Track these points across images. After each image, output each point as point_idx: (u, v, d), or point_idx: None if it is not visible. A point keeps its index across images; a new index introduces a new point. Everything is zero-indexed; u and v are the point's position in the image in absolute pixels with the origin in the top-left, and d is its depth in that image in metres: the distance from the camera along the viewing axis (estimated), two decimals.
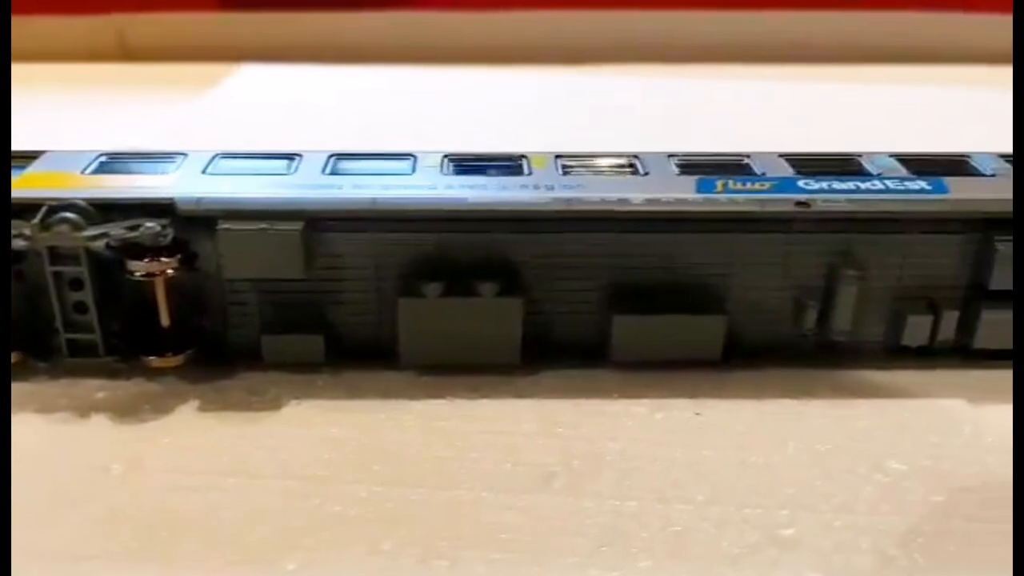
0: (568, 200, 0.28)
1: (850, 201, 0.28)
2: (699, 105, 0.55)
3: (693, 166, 0.30)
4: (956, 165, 0.31)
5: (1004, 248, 0.28)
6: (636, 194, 0.28)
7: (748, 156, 0.31)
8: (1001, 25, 0.68)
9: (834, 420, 0.28)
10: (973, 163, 0.31)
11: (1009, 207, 0.28)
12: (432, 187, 0.29)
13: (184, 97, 0.56)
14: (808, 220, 0.28)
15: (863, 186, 0.29)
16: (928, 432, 0.27)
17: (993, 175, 0.30)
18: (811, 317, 0.29)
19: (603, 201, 0.28)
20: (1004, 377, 0.29)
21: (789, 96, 0.57)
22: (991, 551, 0.23)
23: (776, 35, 0.66)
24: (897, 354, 0.30)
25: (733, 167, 0.30)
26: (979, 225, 0.28)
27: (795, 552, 0.23)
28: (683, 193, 0.28)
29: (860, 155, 0.31)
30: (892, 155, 0.31)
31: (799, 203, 0.28)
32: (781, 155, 0.31)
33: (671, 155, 0.31)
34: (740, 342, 0.30)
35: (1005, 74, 0.66)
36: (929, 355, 0.30)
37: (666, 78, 0.61)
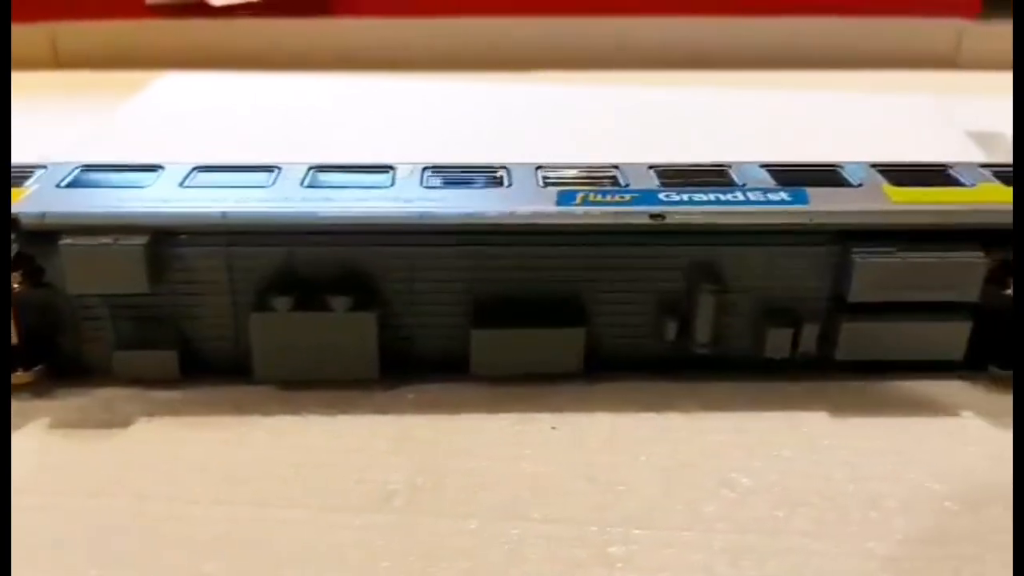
0: (421, 214, 0.28)
1: (706, 213, 0.28)
2: (608, 113, 0.54)
3: (558, 178, 0.30)
4: (826, 175, 0.31)
5: (861, 260, 0.28)
6: (494, 207, 0.28)
7: (617, 168, 0.31)
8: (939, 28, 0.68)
9: (692, 434, 0.28)
10: (843, 173, 0.31)
11: (865, 219, 0.28)
12: (287, 199, 0.28)
13: (103, 105, 0.55)
14: (665, 233, 0.28)
15: (724, 198, 0.29)
16: (783, 446, 0.27)
17: (860, 185, 0.30)
18: (672, 330, 0.29)
19: (456, 215, 0.28)
20: (865, 389, 0.29)
21: (705, 103, 0.56)
22: (823, 567, 0.23)
23: (706, 41, 0.66)
24: (760, 367, 0.29)
25: (599, 179, 0.30)
26: (837, 237, 0.28)
27: (619, 571, 0.23)
28: (542, 206, 0.28)
29: (730, 165, 0.31)
30: (763, 165, 0.31)
31: (653, 216, 0.28)
32: (651, 167, 0.31)
33: (539, 167, 0.31)
34: (603, 355, 0.29)
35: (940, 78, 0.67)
36: (791, 368, 0.29)
37: (578, 85, 0.61)
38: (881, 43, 0.68)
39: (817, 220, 0.28)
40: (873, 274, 0.28)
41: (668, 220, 0.28)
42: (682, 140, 0.47)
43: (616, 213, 0.28)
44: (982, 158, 0.49)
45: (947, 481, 0.26)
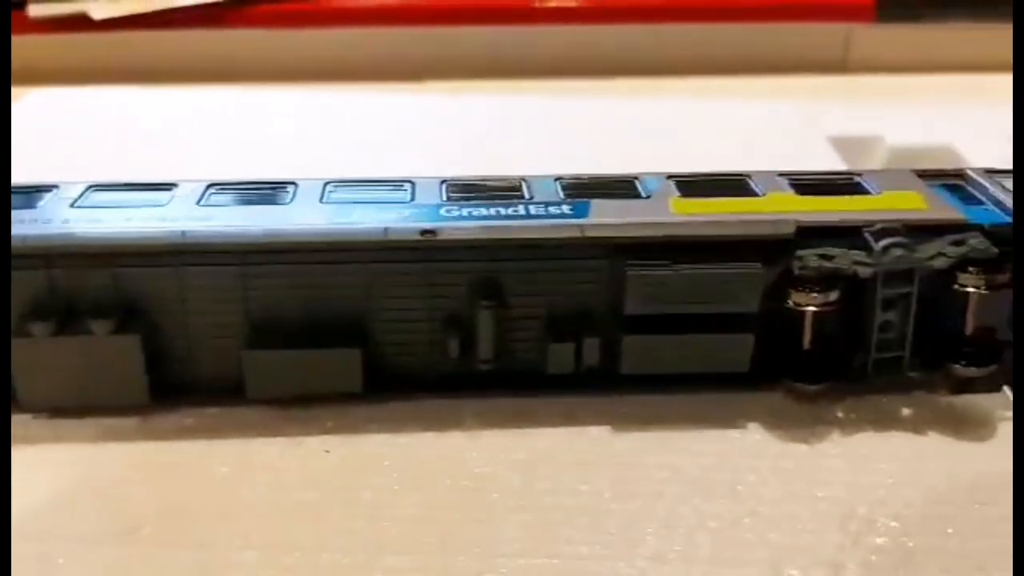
0: (183, 233, 0.27)
1: (479, 229, 0.27)
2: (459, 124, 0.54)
3: (346, 193, 0.29)
4: (620, 187, 0.30)
5: (634, 273, 0.27)
6: (260, 225, 0.27)
7: (411, 181, 0.30)
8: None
9: (470, 452, 0.27)
10: (637, 185, 0.30)
11: (640, 231, 0.27)
12: (49, 221, 0.27)
13: None
14: (439, 249, 0.28)
15: (504, 212, 0.28)
16: (564, 462, 0.27)
17: (648, 197, 0.30)
18: (454, 347, 0.28)
19: (215, 234, 0.27)
20: (651, 402, 0.29)
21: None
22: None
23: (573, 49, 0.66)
24: (546, 382, 0.29)
25: (387, 193, 0.30)
26: (614, 250, 0.28)
27: None
28: (310, 223, 0.28)
29: (524, 179, 0.31)
30: (557, 178, 0.31)
31: (424, 232, 0.27)
32: (443, 181, 0.30)
33: (328, 182, 0.30)
34: (386, 374, 0.29)
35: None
36: (577, 382, 0.29)
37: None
38: (772, 48, 0.68)
39: (590, 234, 0.27)
40: (647, 287, 0.27)
41: (440, 236, 0.27)
42: (530, 150, 0.47)
43: (386, 229, 0.27)
44: (842, 165, 0.49)
45: (722, 497, 0.25)
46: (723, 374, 0.29)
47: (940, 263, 0.27)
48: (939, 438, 0.28)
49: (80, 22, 0.67)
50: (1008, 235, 0.28)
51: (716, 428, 0.28)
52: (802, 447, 0.27)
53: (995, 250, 0.27)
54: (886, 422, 0.28)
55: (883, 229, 0.28)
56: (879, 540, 0.24)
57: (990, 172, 0.32)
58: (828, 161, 0.49)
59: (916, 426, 0.28)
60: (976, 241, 0.28)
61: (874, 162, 0.58)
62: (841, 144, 0.56)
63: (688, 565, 0.23)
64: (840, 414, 0.29)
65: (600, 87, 0.61)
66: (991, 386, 0.30)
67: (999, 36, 0.68)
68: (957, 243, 0.28)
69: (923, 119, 0.60)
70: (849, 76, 0.67)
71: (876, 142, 0.59)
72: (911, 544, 0.24)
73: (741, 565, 0.23)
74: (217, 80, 0.63)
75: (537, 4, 0.68)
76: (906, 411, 0.29)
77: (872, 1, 0.73)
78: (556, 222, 0.28)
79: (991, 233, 0.28)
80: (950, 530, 0.24)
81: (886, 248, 0.27)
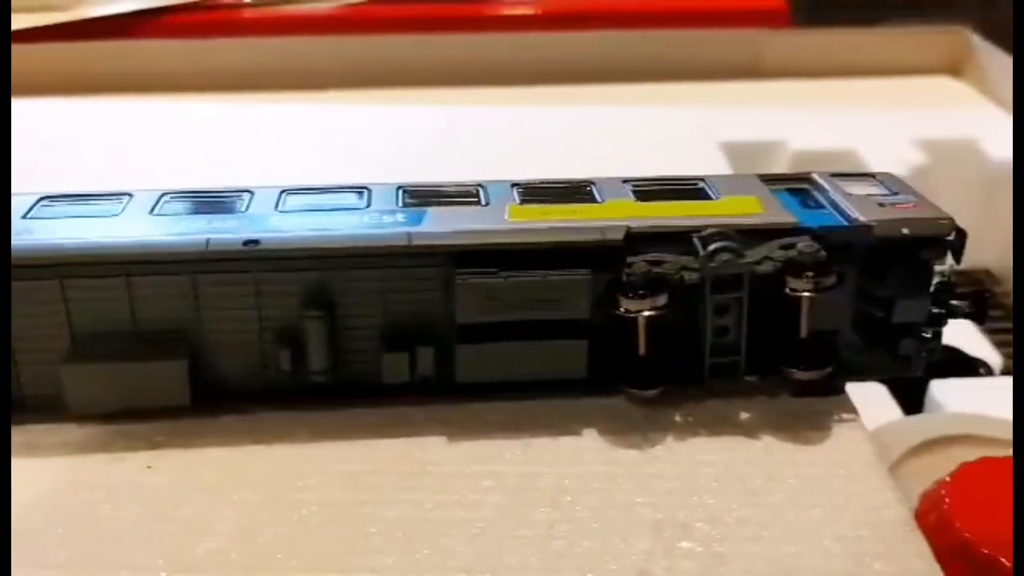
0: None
1: (307, 238, 0.27)
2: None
3: (190, 203, 0.29)
4: (465, 194, 0.30)
5: (463, 281, 0.27)
6: (80, 238, 0.27)
7: (250, 191, 0.30)
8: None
9: (299, 464, 0.27)
10: (482, 192, 0.30)
11: (470, 239, 0.27)
12: None
13: None
14: (264, 259, 0.27)
15: (335, 221, 0.28)
16: (402, 473, 0.26)
17: (488, 204, 0.29)
18: (285, 359, 0.28)
19: (35, 248, 0.26)
20: (486, 410, 0.29)
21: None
22: None
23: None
24: (384, 392, 0.28)
25: (223, 204, 0.29)
26: (447, 258, 0.27)
27: None
28: (134, 235, 0.27)
29: (365, 187, 0.30)
30: (401, 186, 0.30)
31: (248, 242, 0.27)
32: (283, 190, 0.30)
33: (164, 193, 0.30)
34: (218, 387, 0.28)
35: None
36: (414, 392, 0.28)
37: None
38: (685, 54, 0.69)
39: (418, 242, 0.27)
40: (477, 295, 0.27)
41: (263, 247, 0.27)
42: (422, 159, 0.47)
43: (208, 240, 0.27)
44: (728, 170, 0.49)
45: (544, 505, 0.25)
46: (564, 381, 0.29)
47: (767, 267, 0.28)
48: (772, 442, 0.28)
49: None
50: (837, 238, 0.28)
51: (550, 435, 0.28)
52: (633, 452, 0.27)
53: (823, 253, 0.28)
54: (720, 426, 0.28)
55: (712, 234, 0.28)
56: (688, 544, 0.24)
57: (835, 176, 0.32)
58: (716, 167, 0.49)
59: (749, 430, 0.28)
60: (804, 245, 0.28)
61: (778, 167, 0.58)
62: (745, 149, 0.57)
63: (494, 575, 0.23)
64: (677, 418, 0.29)
65: (518, 95, 0.62)
66: (830, 389, 0.30)
67: (910, 41, 0.70)
68: (786, 247, 0.28)
69: (829, 124, 0.61)
70: (761, 82, 0.68)
71: (780, 147, 0.59)
72: (721, 549, 0.24)
73: (546, 573, 0.23)
74: (131, 91, 0.63)
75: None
76: (744, 415, 0.29)
77: (786, 7, 0.74)
78: (385, 231, 0.28)
79: (820, 236, 0.28)
80: (764, 534, 0.24)
81: (713, 253, 0.27)
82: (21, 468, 0.26)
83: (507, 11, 0.74)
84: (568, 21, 0.72)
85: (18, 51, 0.68)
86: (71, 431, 0.27)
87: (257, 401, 0.28)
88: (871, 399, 0.43)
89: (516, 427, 0.28)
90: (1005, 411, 0.41)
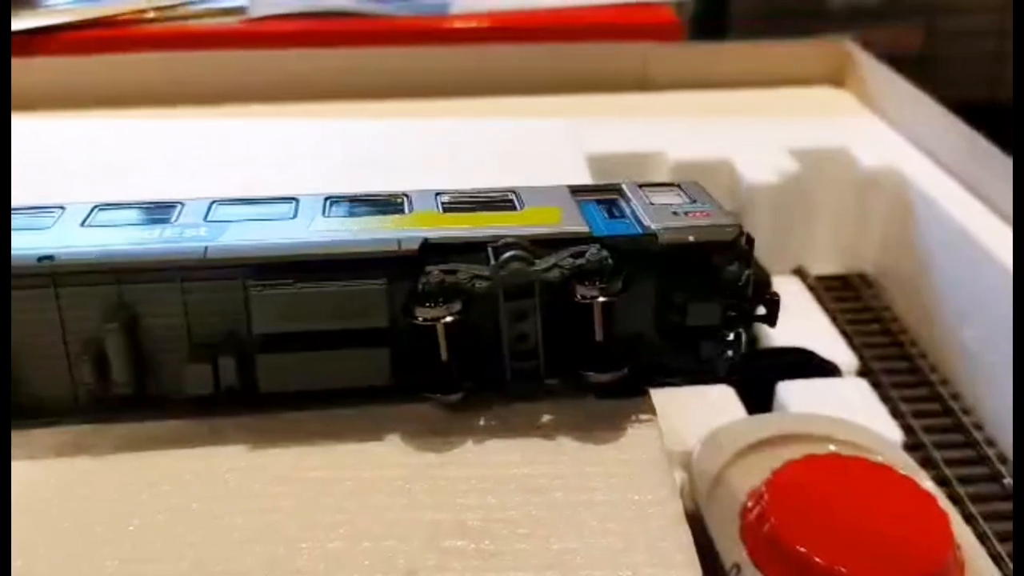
0: None
1: (99, 253, 0.28)
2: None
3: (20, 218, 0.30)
4: (275, 207, 0.31)
5: (257, 292, 0.28)
6: None
7: (62, 207, 0.31)
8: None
9: (97, 477, 0.27)
10: (296, 205, 0.31)
11: (262, 251, 0.28)
12: None
13: None
14: (62, 273, 0.28)
15: (135, 235, 0.28)
16: (192, 483, 0.27)
17: (295, 217, 0.30)
18: (87, 372, 0.28)
19: None
20: (292, 419, 0.29)
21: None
22: None
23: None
24: (191, 403, 0.29)
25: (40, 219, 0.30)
26: (243, 271, 0.28)
27: None
28: None
29: (180, 202, 0.31)
30: (216, 200, 0.31)
31: (42, 258, 0.28)
32: (97, 205, 0.30)
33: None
34: (29, 401, 0.29)
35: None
36: (221, 403, 0.29)
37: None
38: (575, 67, 0.70)
39: (211, 255, 0.28)
40: (270, 306, 0.28)
41: (57, 261, 0.28)
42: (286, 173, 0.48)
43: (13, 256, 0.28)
44: (589, 181, 0.50)
45: (329, 511, 0.26)
46: (374, 388, 0.30)
47: (555, 275, 0.29)
48: (565, 442, 0.29)
49: None
50: (627, 246, 0.29)
51: (354, 441, 0.29)
52: (431, 455, 0.28)
53: (610, 261, 0.29)
54: (520, 429, 0.29)
55: (505, 244, 0.29)
56: (459, 543, 0.25)
57: (643, 186, 0.33)
58: (579, 178, 0.50)
59: (546, 432, 0.29)
60: (591, 252, 0.29)
61: (655, 176, 0.60)
62: (622, 159, 0.58)
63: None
64: (481, 422, 0.30)
65: (407, 108, 0.63)
66: (631, 390, 0.31)
67: (795, 53, 0.72)
68: (575, 255, 0.29)
69: (709, 135, 0.62)
70: (646, 94, 0.69)
71: (658, 157, 0.61)
72: (490, 547, 0.25)
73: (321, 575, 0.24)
74: (30, 108, 0.63)
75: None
76: (545, 417, 0.30)
77: (677, 22, 0.76)
78: (180, 245, 0.28)
79: (609, 244, 0.29)
80: (539, 531, 0.25)
81: (504, 262, 0.29)
82: None
83: (410, 25, 0.76)
84: (462, 35, 0.74)
85: None
86: None
87: (66, 416, 0.29)
88: (719, 401, 0.45)
89: (320, 435, 0.29)
90: (845, 411, 0.43)
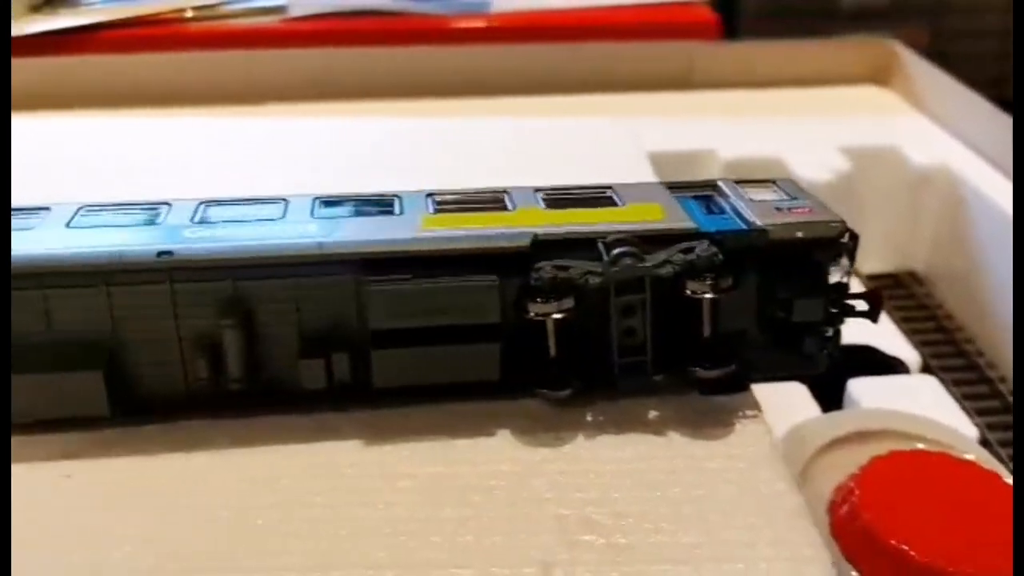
0: None
1: (219, 248, 0.28)
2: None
3: (97, 217, 0.30)
4: (377, 205, 0.31)
5: (375, 288, 0.28)
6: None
7: (168, 203, 0.31)
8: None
9: (219, 472, 0.27)
10: (396, 202, 0.31)
11: (380, 247, 0.28)
12: None
13: None
14: (179, 269, 0.28)
15: (247, 232, 0.28)
16: (316, 477, 0.27)
17: (402, 214, 0.30)
18: (202, 367, 0.29)
19: None
20: (406, 414, 0.29)
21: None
22: None
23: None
24: (303, 398, 0.29)
25: (145, 215, 0.30)
26: (359, 266, 0.28)
27: None
28: (53, 246, 0.28)
29: (284, 199, 0.31)
30: (318, 198, 0.31)
31: (161, 253, 0.28)
32: (201, 202, 0.31)
33: (81, 207, 0.30)
34: (138, 397, 0.29)
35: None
36: (333, 397, 0.29)
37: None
38: (620, 67, 0.70)
39: (329, 251, 0.28)
40: (388, 302, 0.28)
41: (176, 257, 0.28)
42: (358, 171, 0.48)
43: (122, 252, 0.28)
44: (654, 178, 0.51)
45: (453, 504, 0.26)
46: (481, 383, 0.30)
47: (666, 271, 0.29)
48: (676, 437, 0.29)
49: None
50: (734, 242, 0.29)
51: (465, 437, 0.29)
52: (544, 451, 0.28)
53: (720, 257, 0.29)
54: (628, 424, 0.29)
55: (615, 240, 0.29)
56: (589, 538, 0.25)
57: (739, 183, 0.33)
58: (641, 176, 0.50)
59: (655, 427, 0.29)
60: (701, 248, 0.29)
61: (706, 175, 0.60)
62: (674, 158, 0.58)
63: (403, 570, 0.24)
64: (588, 418, 0.30)
65: (455, 106, 0.63)
66: (735, 386, 0.31)
67: (838, 52, 0.72)
68: (685, 251, 0.29)
69: (757, 133, 0.62)
70: (691, 93, 0.69)
71: (709, 156, 0.61)
72: (622, 541, 0.25)
73: (453, 568, 0.24)
74: (72, 107, 0.63)
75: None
76: (652, 413, 0.30)
77: (716, 20, 0.76)
78: (296, 241, 0.28)
79: (719, 241, 0.29)
80: (664, 526, 0.25)
81: (616, 258, 0.29)
82: None
83: (450, 24, 0.76)
84: (503, 34, 0.74)
85: None
86: None
87: (179, 410, 0.29)
88: (792, 398, 0.45)
89: (432, 430, 0.29)
90: (917, 407, 0.43)
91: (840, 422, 0.42)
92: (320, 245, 0.28)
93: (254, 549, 0.25)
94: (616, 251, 0.29)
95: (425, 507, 0.26)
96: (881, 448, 0.38)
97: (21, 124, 0.59)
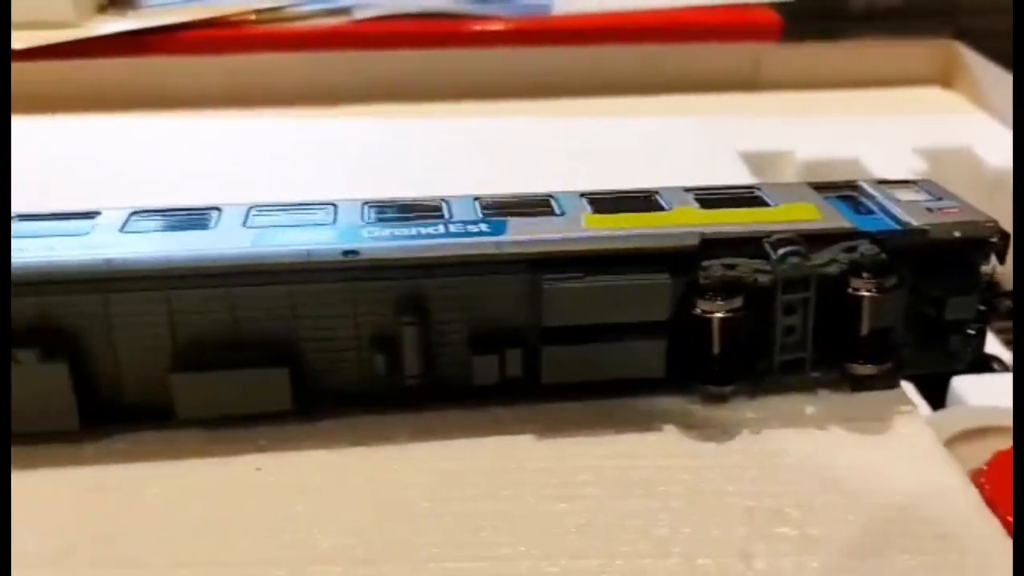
0: (105, 261, 0.27)
1: (400, 248, 0.29)
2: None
3: (269, 217, 0.30)
4: (536, 205, 0.32)
5: (550, 286, 0.29)
6: (184, 251, 0.28)
7: (334, 204, 0.31)
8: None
9: (403, 464, 0.28)
10: (553, 203, 0.32)
11: (552, 246, 0.29)
12: None
13: None
14: (361, 268, 0.29)
15: (424, 232, 0.29)
16: (492, 471, 0.28)
17: (563, 214, 0.31)
18: (380, 364, 0.29)
19: (142, 260, 0.27)
20: (574, 410, 0.30)
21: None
22: None
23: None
24: (473, 394, 0.30)
25: (311, 216, 0.30)
26: (530, 265, 0.29)
27: None
28: (235, 247, 0.28)
29: (444, 199, 0.32)
30: (477, 198, 0.32)
31: (347, 252, 0.28)
32: (365, 203, 0.31)
33: (252, 207, 0.31)
34: (317, 392, 0.29)
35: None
36: (502, 393, 0.30)
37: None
38: (684, 68, 0.71)
39: (507, 250, 0.29)
40: (562, 299, 0.29)
41: (362, 256, 0.28)
42: (466, 171, 0.48)
43: (309, 251, 0.28)
44: (750, 179, 0.51)
45: (638, 496, 0.27)
46: (639, 379, 0.31)
47: (833, 269, 0.29)
48: (840, 433, 0.30)
49: None
50: (895, 242, 0.30)
51: (633, 431, 0.30)
52: (712, 445, 0.29)
53: (884, 256, 0.30)
54: (790, 419, 0.30)
55: (780, 239, 0.30)
56: (783, 529, 0.25)
57: (881, 183, 0.34)
58: (737, 175, 0.51)
59: (818, 422, 0.30)
60: (865, 248, 0.30)
61: (785, 175, 0.60)
62: (754, 159, 0.59)
63: (608, 560, 0.25)
64: (750, 414, 0.30)
65: (526, 108, 0.63)
66: (888, 383, 0.32)
67: (900, 53, 0.73)
68: (849, 250, 0.30)
69: (830, 133, 0.63)
70: (760, 94, 0.70)
71: (787, 156, 0.62)
72: (814, 532, 0.26)
73: (658, 558, 0.25)
74: (141, 108, 0.64)
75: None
76: (810, 409, 0.31)
77: (779, 21, 0.77)
78: (474, 240, 0.29)
79: (880, 240, 0.30)
80: (850, 517, 0.26)
81: (783, 257, 0.29)
82: (131, 474, 0.28)
83: (515, 26, 0.76)
84: (564, 36, 0.75)
85: (31, 69, 0.69)
86: (176, 437, 0.29)
87: (353, 405, 0.30)
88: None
89: (599, 425, 0.30)
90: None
91: (956, 419, 0.42)
92: (498, 245, 0.29)
93: (459, 540, 0.25)
94: (783, 250, 0.29)
95: (612, 500, 0.27)
96: (998, 443, 0.38)
97: (102, 125, 0.60)
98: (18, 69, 0.66)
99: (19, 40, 0.66)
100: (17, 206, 0.31)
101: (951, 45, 0.72)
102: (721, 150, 0.53)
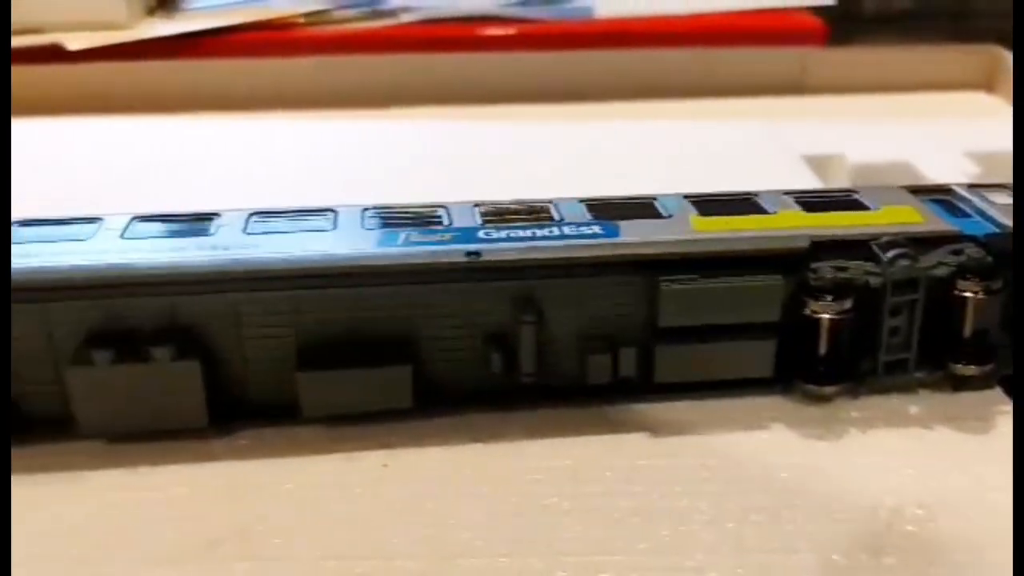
0: (236, 261, 0.28)
1: (520, 250, 0.29)
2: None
3: (385, 219, 0.31)
4: (641, 207, 0.32)
5: (666, 287, 0.29)
6: (314, 251, 0.29)
7: (444, 207, 0.32)
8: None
9: (518, 460, 0.29)
10: (657, 205, 0.32)
11: (668, 248, 0.29)
12: (103, 252, 0.28)
13: None
14: (482, 269, 0.29)
15: (540, 233, 0.30)
16: (605, 468, 0.28)
17: (670, 216, 0.32)
18: (497, 362, 0.30)
19: (273, 261, 0.28)
20: (684, 408, 0.31)
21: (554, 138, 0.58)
22: None
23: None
24: (585, 392, 0.31)
25: (424, 218, 0.31)
26: (645, 266, 0.30)
27: None
28: (362, 248, 0.29)
29: (551, 202, 0.32)
30: (582, 200, 0.33)
31: (470, 254, 0.29)
32: (475, 205, 0.32)
33: (367, 208, 0.32)
34: (435, 390, 0.30)
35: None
36: (614, 392, 0.31)
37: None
38: (729, 72, 0.72)
39: (623, 252, 0.29)
40: (678, 300, 0.29)
41: (484, 258, 0.29)
42: (529, 176, 0.49)
43: (433, 252, 0.29)
44: (815, 182, 0.52)
45: (759, 492, 0.28)
46: (753, 379, 0.31)
47: (942, 272, 0.30)
48: (945, 431, 0.30)
49: (54, 53, 0.67)
50: (1000, 245, 0.31)
51: (744, 430, 0.30)
52: (824, 444, 0.30)
53: (990, 259, 0.30)
54: (897, 419, 0.31)
55: (889, 242, 0.30)
56: (909, 527, 0.26)
57: (973, 187, 0.34)
58: (803, 179, 0.51)
59: (923, 421, 0.31)
60: (972, 251, 0.30)
61: (839, 179, 0.61)
62: (809, 162, 0.60)
63: (741, 555, 0.25)
64: (855, 413, 0.31)
65: (580, 112, 0.64)
66: (986, 383, 0.32)
67: (944, 58, 0.73)
68: (956, 253, 0.30)
69: (880, 137, 0.64)
70: (807, 97, 0.71)
71: (838, 160, 0.62)
72: (938, 528, 0.26)
73: (789, 553, 0.25)
74: (194, 109, 0.64)
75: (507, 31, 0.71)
76: (913, 408, 0.31)
77: (824, 27, 0.77)
78: (590, 242, 0.30)
79: (985, 244, 0.31)
80: (970, 513, 0.27)
81: (893, 259, 0.30)
82: (262, 469, 0.28)
83: (558, 29, 0.77)
84: (607, 40, 0.75)
85: (78, 71, 0.70)
86: (302, 433, 0.29)
87: (470, 403, 0.30)
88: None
89: (710, 423, 0.30)
90: None
91: None
92: (615, 246, 0.29)
93: (596, 535, 0.26)
94: (892, 252, 0.30)
95: (734, 496, 0.27)
96: None
97: (150, 126, 0.61)
98: (74, 71, 0.68)
99: (75, 41, 0.67)
100: (136, 207, 0.31)
101: (994, 50, 0.73)
102: (781, 152, 0.54)
